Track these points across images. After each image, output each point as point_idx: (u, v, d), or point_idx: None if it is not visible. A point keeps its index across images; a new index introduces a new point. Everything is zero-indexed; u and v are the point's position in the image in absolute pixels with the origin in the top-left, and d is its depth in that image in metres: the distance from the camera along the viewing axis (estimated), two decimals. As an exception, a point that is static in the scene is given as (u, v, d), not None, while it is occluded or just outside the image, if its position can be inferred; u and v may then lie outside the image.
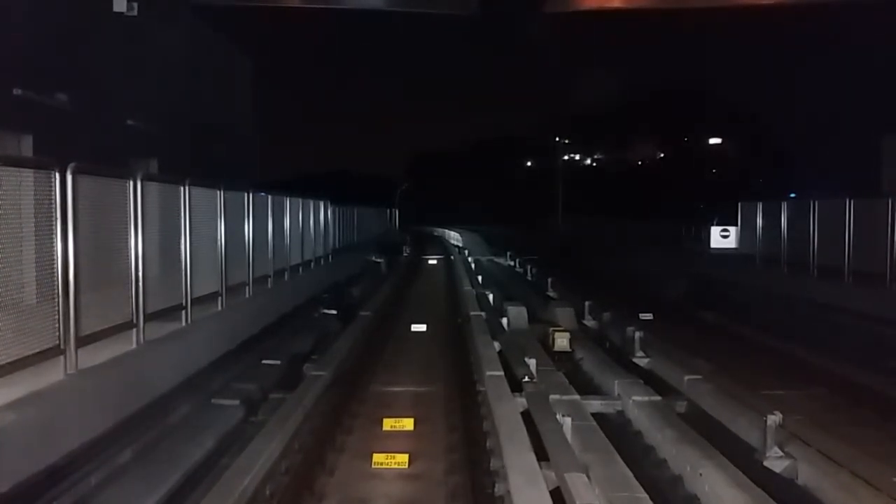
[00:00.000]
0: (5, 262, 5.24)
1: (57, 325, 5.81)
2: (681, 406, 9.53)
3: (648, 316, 15.46)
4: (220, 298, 9.73)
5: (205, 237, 9.34)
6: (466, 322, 14.23)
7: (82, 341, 6.10)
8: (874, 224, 14.04)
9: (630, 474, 6.62)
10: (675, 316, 17.41)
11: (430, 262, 33.07)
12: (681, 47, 75.23)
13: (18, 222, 5.47)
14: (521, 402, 8.57)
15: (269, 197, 12.81)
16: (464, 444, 7.94)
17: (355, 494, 6.92)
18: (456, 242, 51.08)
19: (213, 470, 7.11)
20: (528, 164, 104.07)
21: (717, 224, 24.70)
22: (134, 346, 7.12)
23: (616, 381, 10.01)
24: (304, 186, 25.86)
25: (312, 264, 16.74)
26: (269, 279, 12.43)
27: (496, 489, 6.74)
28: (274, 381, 10.41)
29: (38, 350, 5.60)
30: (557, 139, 73.77)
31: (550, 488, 6.11)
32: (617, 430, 8.87)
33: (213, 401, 9.05)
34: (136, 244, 7.17)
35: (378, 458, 7.50)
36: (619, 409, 9.64)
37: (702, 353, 11.83)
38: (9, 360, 5.24)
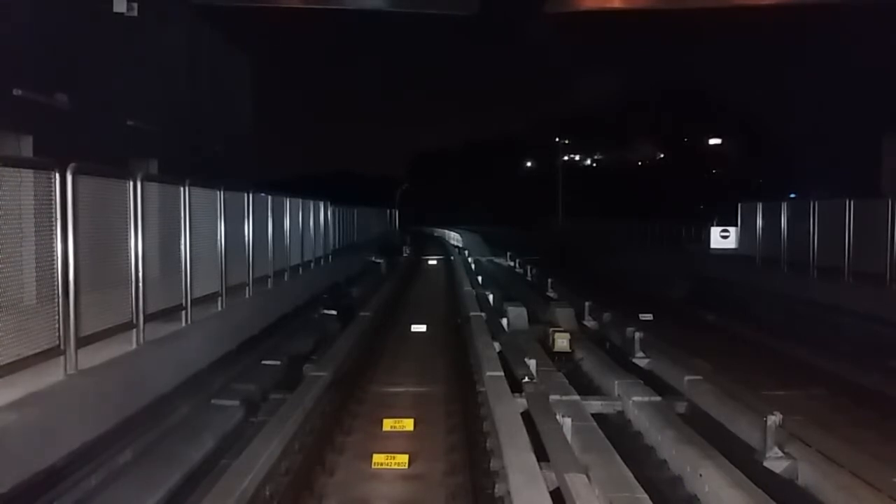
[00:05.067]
0: (5, 262, 5.23)
1: (57, 326, 5.80)
2: (681, 406, 9.54)
3: (648, 316, 15.48)
4: (220, 299, 9.72)
5: (205, 237, 9.32)
6: (466, 323, 14.23)
7: (82, 341, 6.08)
8: (874, 225, 14.04)
9: (630, 475, 6.62)
10: (675, 316, 17.42)
11: (430, 262, 33.09)
12: (681, 47, 75.13)
13: (18, 222, 5.47)
14: (521, 402, 8.56)
15: (269, 197, 12.80)
16: (464, 444, 7.94)
17: (355, 495, 6.92)
18: (456, 243, 51.11)
19: (213, 470, 7.11)
20: (529, 164, 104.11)
21: (717, 224, 24.69)
22: (134, 346, 7.11)
23: (616, 382, 10.01)
24: (304, 186, 25.86)
25: (312, 265, 16.73)
26: (269, 279, 12.42)
27: (496, 489, 6.74)
28: (274, 382, 10.41)
29: (38, 350, 5.59)
30: (557, 139, 73.78)
31: (550, 489, 6.11)
32: (617, 431, 8.87)
33: (213, 401, 9.05)
34: (136, 244, 7.16)
35: (378, 458, 7.50)
36: (620, 409, 9.65)
37: (702, 353, 11.82)
38: (9, 361, 5.24)
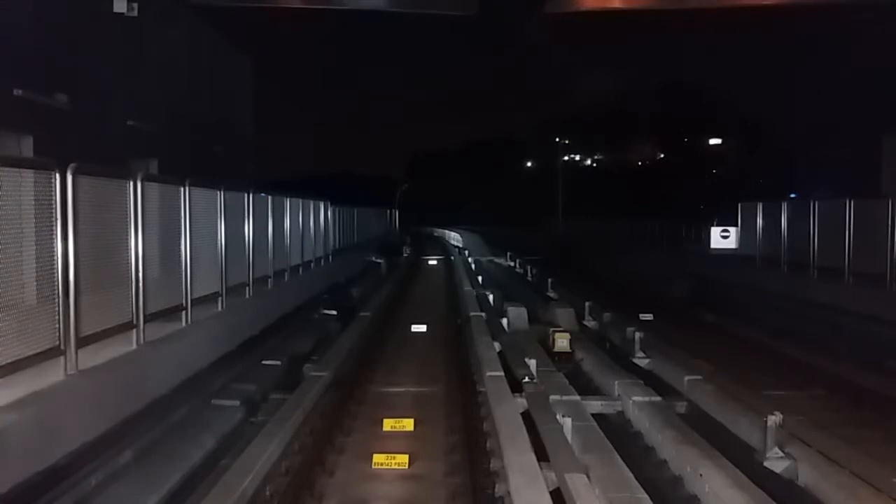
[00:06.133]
0: (5, 262, 5.23)
1: (57, 326, 5.80)
2: (681, 406, 9.54)
3: (648, 316, 15.50)
4: (220, 299, 9.72)
5: (205, 237, 9.32)
6: (466, 323, 14.23)
7: (82, 342, 6.08)
8: (874, 225, 14.03)
9: (630, 475, 6.63)
10: (675, 317, 17.42)
11: (431, 262, 33.11)
12: (681, 47, 75.24)
13: (18, 222, 5.46)
14: (522, 402, 8.57)
15: (269, 197, 12.80)
16: (464, 445, 7.94)
17: (355, 495, 6.92)
18: (456, 243, 51.13)
19: (213, 470, 7.11)
20: (529, 164, 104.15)
21: (717, 224, 24.68)
22: (134, 346, 7.11)
23: (616, 382, 10.02)
24: (305, 187, 25.85)
25: (312, 265, 16.72)
26: (270, 280, 12.42)
27: (496, 489, 6.74)
28: (274, 382, 10.41)
29: (38, 350, 5.59)
30: (557, 139, 73.79)
31: (551, 489, 6.11)
32: (617, 431, 8.88)
33: (213, 401, 9.06)
34: (136, 244, 7.16)
35: (378, 458, 7.50)
36: (620, 409, 9.65)
37: (702, 353, 11.83)
38: (9, 361, 5.24)
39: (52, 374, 5.76)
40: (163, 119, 16.38)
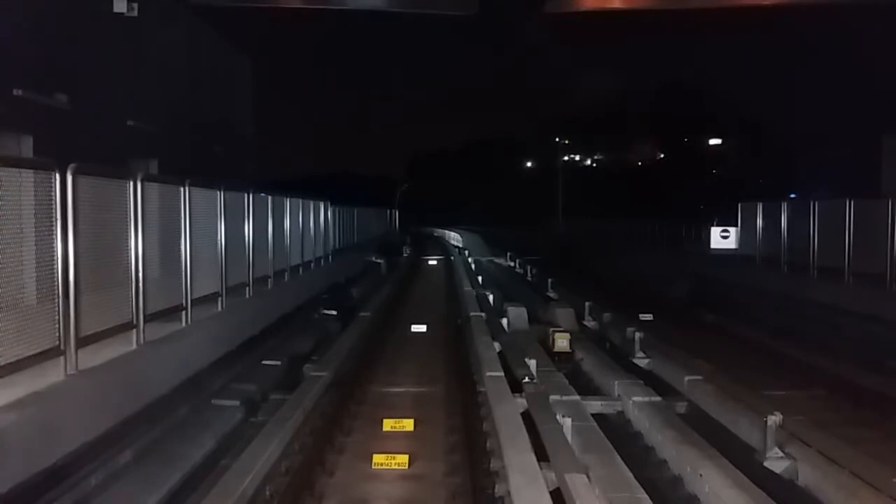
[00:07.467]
0: (5, 262, 5.23)
1: (57, 326, 5.79)
2: (681, 407, 9.54)
3: (648, 316, 15.50)
4: (220, 299, 9.71)
5: (205, 238, 9.31)
6: (466, 323, 14.24)
7: (82, 342, 6.08)
8: (874, 225, 14.02)
9: (630, 475, 6.63)
10: (675, 317, 17.42)
11: (430, 262, 33.11)
12: (681, 47, 75.36)
13: (18, 222, 5.46)
14: (522, 402, 8.57)
15: (269, 197, 12.79)
16: (464, 445, 7.94)
17: (355, 495, 6.92)
18: (456, 243, 51.15)
19: (213, 470, 7.11)
20: (529, 164, 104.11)
21: (718, 225, 24.67)
22: (134, 346, 7.11)
23: (616, 382, 10.02)
24: (304, 187, 25.85)
25: (312, 265, 16.71)
26: (270, 280, 12.41)
27: (496, 490, 6.74)
28: (274, 382, 10.41)
29: (38, 351, 5.58)
30: (557, 140, 73.76)
31: (550, 489, 6.12)
32: (617, 431, 8.88)
33: (213, 401, 9.06)
34: (136, 244, 7.15)
35: (378, 458, 7.50)
36: (620, 409, 9.65)
37: (701, 353, 11.82)
38: (9, 361, 5.23)
39: (52, 374, 5.75)
40: (163, 119, 16.38)
